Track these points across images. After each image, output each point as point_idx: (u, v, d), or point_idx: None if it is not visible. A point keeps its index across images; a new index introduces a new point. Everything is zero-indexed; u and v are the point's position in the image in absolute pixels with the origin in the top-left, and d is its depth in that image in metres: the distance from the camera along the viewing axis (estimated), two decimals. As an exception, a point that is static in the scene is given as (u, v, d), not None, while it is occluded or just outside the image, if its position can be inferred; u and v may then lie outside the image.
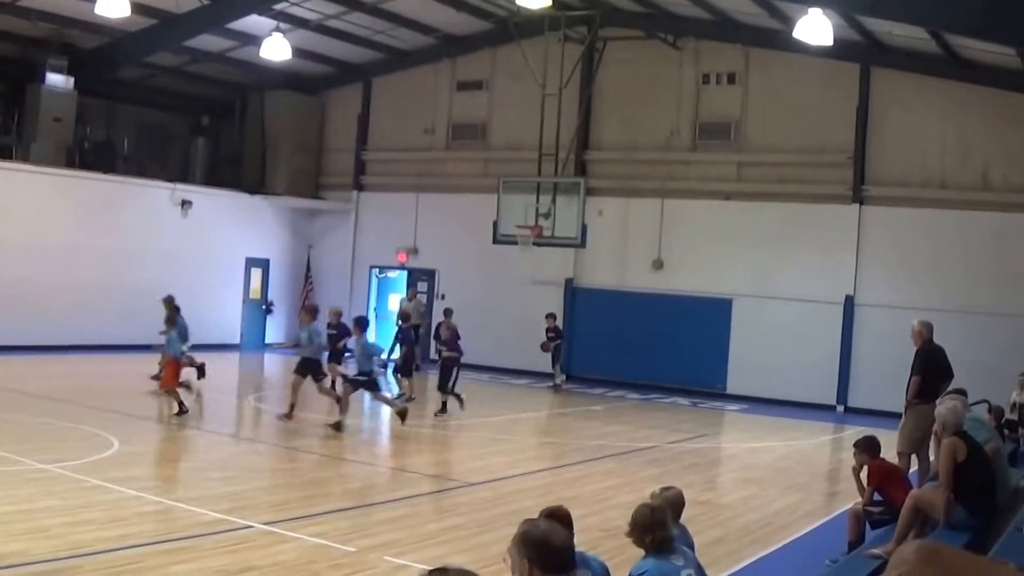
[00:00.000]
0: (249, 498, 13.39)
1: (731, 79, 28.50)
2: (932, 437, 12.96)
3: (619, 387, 28.53)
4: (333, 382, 20.99)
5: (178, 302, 21.59)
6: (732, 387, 28.03)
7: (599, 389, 28.40)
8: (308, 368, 19.63)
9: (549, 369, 28.86)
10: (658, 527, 6.65)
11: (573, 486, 15.19)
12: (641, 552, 6.70)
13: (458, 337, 22.33)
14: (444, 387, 21.69)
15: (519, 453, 18.51)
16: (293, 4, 27.87)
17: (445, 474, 15.81)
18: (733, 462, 19.43)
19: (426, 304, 30.67)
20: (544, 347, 27.87)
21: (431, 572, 3.84)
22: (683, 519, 7.72)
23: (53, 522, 11.10)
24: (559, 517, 6.11)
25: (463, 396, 21.69)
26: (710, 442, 21.66)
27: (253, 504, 12.88)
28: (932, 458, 13.33)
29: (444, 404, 21.53)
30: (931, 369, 14.47)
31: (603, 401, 26.56)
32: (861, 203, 26.83)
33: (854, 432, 16.72)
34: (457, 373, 21.83)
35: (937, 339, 14.93)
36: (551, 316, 27.93)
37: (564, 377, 28.68)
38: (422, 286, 32.88)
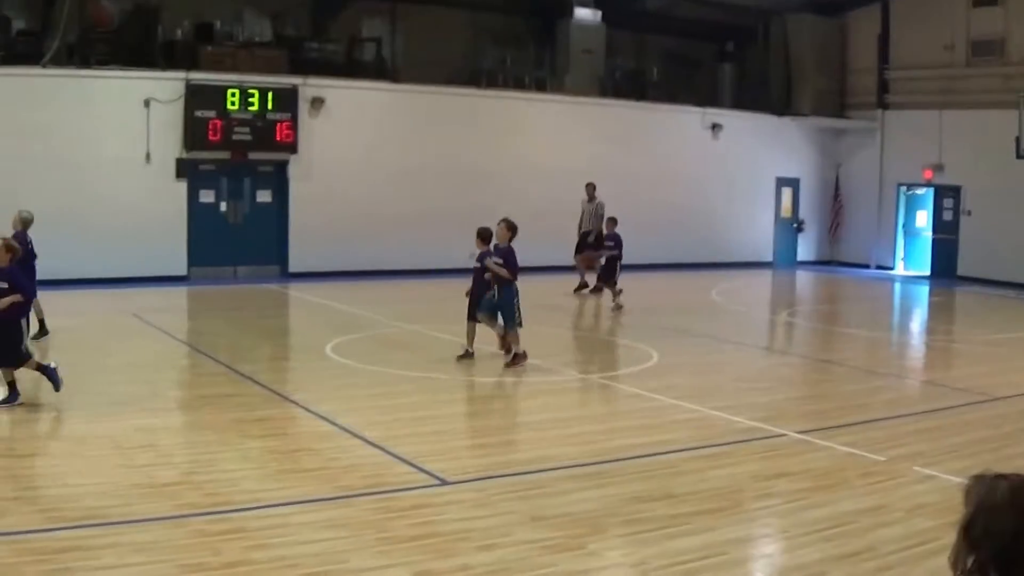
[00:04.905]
0: (783, 408, 13.73)
1: None
2: None
3: None
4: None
5: (709, 222, 22.63)
6: None
7: None
8: None
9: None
10: None
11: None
12: None
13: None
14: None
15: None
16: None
17: (972, 388, 15.12)
18: None
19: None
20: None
21: (994, 477, 3.18)
22: None
23: (589, 429, 11.97)
24: None
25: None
26: None
27: (786, 413, 13.20)
28: None
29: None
30: None
31: None
32: None
33: None
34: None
35: None
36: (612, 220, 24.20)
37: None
38: (947, 202, 32.40)
